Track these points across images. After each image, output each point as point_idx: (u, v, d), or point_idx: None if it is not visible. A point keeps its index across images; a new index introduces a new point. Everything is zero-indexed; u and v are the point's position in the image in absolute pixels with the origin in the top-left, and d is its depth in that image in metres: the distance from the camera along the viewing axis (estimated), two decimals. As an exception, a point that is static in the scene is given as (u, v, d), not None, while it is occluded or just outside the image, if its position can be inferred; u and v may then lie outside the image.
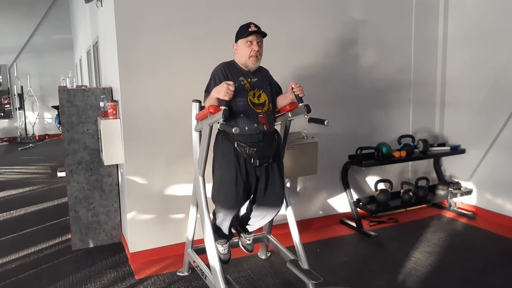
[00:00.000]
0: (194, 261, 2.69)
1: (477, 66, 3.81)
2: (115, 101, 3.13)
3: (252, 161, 2.25)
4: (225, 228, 2.49)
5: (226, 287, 2.25)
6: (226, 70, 2.32)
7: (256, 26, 2.29)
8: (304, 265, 2.53)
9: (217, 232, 2.50)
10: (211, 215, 2.46)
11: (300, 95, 2.30)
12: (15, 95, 10.22)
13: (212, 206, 2.43)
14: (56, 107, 6.49)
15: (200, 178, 2.43)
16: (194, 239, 2.76)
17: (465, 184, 3.98)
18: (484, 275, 2.78)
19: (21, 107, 10.25)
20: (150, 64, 2.95)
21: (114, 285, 2.74)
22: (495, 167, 3.72)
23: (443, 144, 4.08)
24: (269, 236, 2.92)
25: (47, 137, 10.38)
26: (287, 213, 2.64)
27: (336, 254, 3.15)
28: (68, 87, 3.62)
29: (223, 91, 2.07)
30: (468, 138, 3.94)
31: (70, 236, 3.41)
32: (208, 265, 2.43)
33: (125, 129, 2.96)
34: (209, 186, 2.44)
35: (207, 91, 2.30)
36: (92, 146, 3.28)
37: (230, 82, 2.10)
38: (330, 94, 3.59)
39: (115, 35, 2.87)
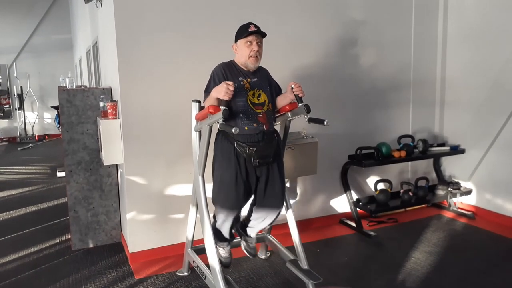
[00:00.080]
0: (193, 261, 2.69)
1: (476, 66, 3.81)
2: (115, 101, 3.13)
3: (252, 161, 2.24)
4: (225, 230, 2.47)
5: (226, 287, 2.25)
6: (226, 70, 2.32)
7: (255, 26, 2.29)
8: (304, 265, 2.53)
9: (218, 235, 2.48)
10: (211, 217, 2.44)
11: (300, 95, 2.30)
12: (14, 95, 10.22)
13: (212, 207, 2.42)
14: (55, 107, 6.48)
15: (200, 178, 2.43)
16: (194, 239, 2.76)
17: (464, 184, 3.98)
18: (484, 275, 2.78)
19: (21, 107, 10.25)
20: (149, 64, 2.95)
21: (113, 285, 2.74)
22: (494, 167, 3.72)
23: (442, 144, 4.08)
24: (269, 236, 2.92)
25: (46, 137, 10.38)
26: (287, 213, 2.64)
27: (336, 254, 3.15)
28: (67, 87, 3.61)
29: (222, 91, 2.07)
30: (467, 138, 3.94)
31: (69, 236, 3.41)
32: (207, 265, 2.42)
33: (125, 129, 2.96)
34: (209, 186, 2.44)
35: (207, 91, 2.30)
36: (91, 146, 3.28)
37: (230, 82, 2.10)
38: (330, 94, 3.59)
39: (115, 35, 2.86)
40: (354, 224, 3.62)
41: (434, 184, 4.04)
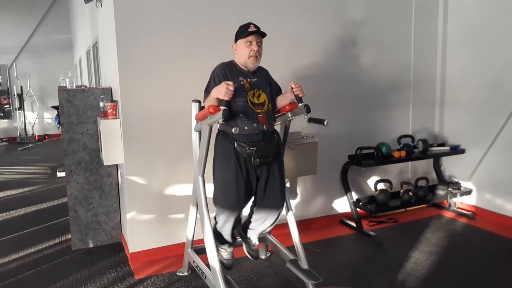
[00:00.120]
0: (194, 261, 2.69)
1: (476, 66, 3.81)
2: (115, 101, 3.13)
3: (252, 160, 2.24)
4: (227, 232, 2.44)
5: (226, 287, 2.25)
6: (226, 70, 2.32)
7: (255, 26, 2.29)
8: (304, 265, 2.53)
9: (219, 237, 2.45)
10: (211, 218, 2.42)
11: (300, 95, 2.30)
12: (14, 95, 10.22)
13: (212, 207, 2.42)
14: (55, 107, 6.48)
15: (200, 178, 2.43)
16: (194, 239, 2.77)
17: (464, 184, 3.98)
18: (484, 275, 2.78)
19: (21, 107, 10.26)
20: (149, 64, 2.95)
21: (114, 285, 2.74)
22: (495, 167, 3.72)
23: (442, 144, 4.08)
24: (269, 236, 2.92)
25: (46, 137, 10.38)
26: (287, 213, 2.63)
27: (336, 254, 3.16)
28: (67, 87, 3.62)
29: (222, 91, 2.07)
30: (467, 138, 3.94)
31: (70, 236, 3.41)
32: (208, 265, 2.42)
33: (125, 129, 2.96)
34: (209, 186, 2.44)
35: (207, 91, 2.30)
36: (91, 146, 3.28)
37: (230, 82, 2.10)
38: (330, 94, 3.59)
39: (115, 35, 2.87)
40: (354, 224, 3.62)
41: (434, 184, 4.05)
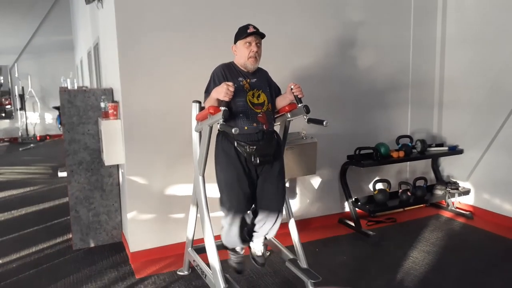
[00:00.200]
0: (194, 260, 2.70)
1: (475, 67, 3.83)
2: (116, 101, 3.16)
3: (252, 159, 2.25)
4: (234, 234, 2.37)
5: (226, 286, 2.27)
6: (226, 71, 2.33)
7: (254, 27, 2.31)
8: (303, 264, 2.55)
9: (228, 240, 2.40)
10: (212, 220, 2.40)
11: (299, 96, 2.31)
12: (16, 95, 10.25)
13: (211, 207, 2.43)
14: (57, 108, 6.50)
15: (200, 178, 2.45)
16: (194, 238, 2.78)
17: (463, 184, 4.00)
18: (482, 274, 2.79)
19: (22, 107, 10.29)
20: (150, 65, 2.97)
21: (114, 285, 2.76)
22: (493, 167, 3.74)
23: (441, 145, 4.10)
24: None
25: (48, 137, 10.41)
26: (286, 213, 2.65)
27: (335, 254, 3.17)
28: (69, 87, 3.64)
29: (223, 91, 2.08)
30: (466, 138, 3.96)
31: (71, 236, 3.43)
32: (208, 264, 2.44)
33: (126, 130, 2.99)
34: (209, 186, 2.46)
35: (207, 92, 2.32)
36: (92, 146, 3.31)
37: (230, 83, 2.12)
38: (329, 95, 3.61)
39: (116, 36, 2.89)
40: (353, 224, 3.64)
41: (432, 184, 4.06)
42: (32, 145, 9.36)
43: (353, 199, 3.73)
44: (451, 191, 3.89)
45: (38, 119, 10.40)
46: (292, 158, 3.11)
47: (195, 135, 2.53)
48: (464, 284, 2.67)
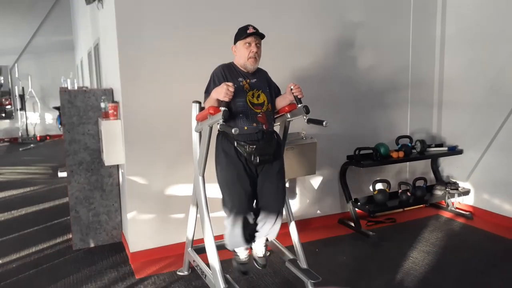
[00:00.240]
0: (194, 261, 2.71)
1: (474, 67, 3.83)
2: (116, 102, 3.16)
3: (252, 158, 2.25)
4: (237, 234, 2.35)
5: (226, 286, 2.27)
6: (225, 72, 2.34)
7: (254, 28, 2.31)
8: (303, 264, 2.55)
9: (232, 241, 2.39)
10: (212, 220, 2.40)
11: (299, 96, 2.32)
12: (16, 96, 10.26)
13: (211, 207, 2.44)
14: (57, 108, 6.51)
15: (200, 178, 2.45)
16: (194, 238, 2.78)
17: (462, 185, 4.01)
18: (482, 275, 2.80)
19: (22, 108, 10.29)
20: (150, 65, 2.98)
21: (114, 285, 2.77)
22: (492, 167, 3.74)
23: (440, 145, 4.10)
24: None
25: (48, 137, 10.41)
26: (286, 213, 2.65)
27: (335, 254, 3.18)
28: (69, 88, 3.64)
29: (222, 92, 2.09)
30: (465, 138, 3.96)
31: (71, 236, 3.43)
32: (208, 265, 2.45)
33: (126, 130, 2.99)
34: (209, 186, 2.47)
35: (207, 92, 2.33)
36: (93, 146, 3.31)
37: (230, 83, 2.12)
38: (329, 95, 3.61)
39: (116, 36, 2.89)
40: (352, 224, 3.65)
41: (432, 185, 4.06)
42: (32, 145, 9.37)
43: (353, 199, 3.73)
44: (451, 191, 3.89)
45: (38, 119, 10.40)
46: (292, 159, 3.12)
47: (195, 135, 2.54)
48: (464, 284, 2.68)
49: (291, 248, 2.67)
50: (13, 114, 10.41)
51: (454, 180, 4.05)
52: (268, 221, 2.40)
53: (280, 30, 3.31)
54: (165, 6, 2.97)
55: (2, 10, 9.74)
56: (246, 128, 2.26)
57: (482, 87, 3.78)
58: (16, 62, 10.22)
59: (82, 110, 3.26)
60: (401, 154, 3.75)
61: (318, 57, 3.55)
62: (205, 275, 2.51)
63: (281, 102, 2.47)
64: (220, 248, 2.46)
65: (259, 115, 2.31)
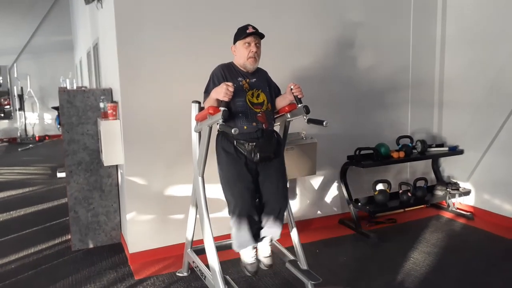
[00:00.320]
0: (193, 262, 2.70)
1: (475, 67, 3.83)
2: (115, 102, 3.15)
3: (252, 155, 2.24)
4: (244, 232, 2.32)
5: None
6: (225, 71, 2.33)
7: (253, 27, 2.30)
8: (303, 265, 2.54)
9: (239, 241, 2.35)
10: (212, 220, 2.39)
11: (299, 96, 2.31)
12: (15, 96, 10.24)
13: (211, 207, 2.43)
14: (56, 108, 6.49)
15: (200, 178, 2.44)
16: (194, 239, 2.77)
17: (463, 185, 4.00)
18: (482, 275, 2.79)
19: (21, 108, 10.28)
20: (150, 65, 2.97)
21: (113, 286, 2.76)
22: (493, 167, 3.74)
23: (441, 145, 4.09)
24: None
25: (47, 137, 10.40)
26: (286, 213, 2.64)
27: (335, 255, 3.17)
28: (68, 88, 3.63)
29: (222, 92, 2.08)
30: (466, 139, 3.95)
31: (69, 237, 3.42)
32: (207, 266, 2.43)
33: (125, 130, 2.98)
34: (209, 187, 2.45)
35: (206, 92, 2.32)
36: (92, 147, 3.30)
37: (229, 83, 2.11)
38: (329, 95, 3.60)
39: (115, 36, 2.88)
40: (353, 225, 3.64)
41: (433, 185, 4.05)
42: (31, 145, 9.35)
43: (353, 200, 3.72)
44: (452, 191, 3.88)
45: (37, 119, 10.39)
46: (292, 159, 3.11)
47: (194, 136, 2.52)
48: (464, 285, 2.67)
49: (291, 249, 2.66)
50: (12, 114, 10.40)
51: (455, 181, 4.04)
52: (270, 220, 2.39)
53: (280, 30, 3.31)
54: (165, 6, 2.96)
55: (2, 10, 9.74)
56: (245, 127, 2.25)
57: (482, 87, 3.77)
58: (15, 62, 10.21)
59: (81, 110, 3.25)
60: (401, 154, 3.74)
61: (318, 57, 3.54)
62: (205, 276, 2.50)
63: (281, 102, 2.46)
64: (220, 249, 2.45)
65: (259, 114, 2.31)
